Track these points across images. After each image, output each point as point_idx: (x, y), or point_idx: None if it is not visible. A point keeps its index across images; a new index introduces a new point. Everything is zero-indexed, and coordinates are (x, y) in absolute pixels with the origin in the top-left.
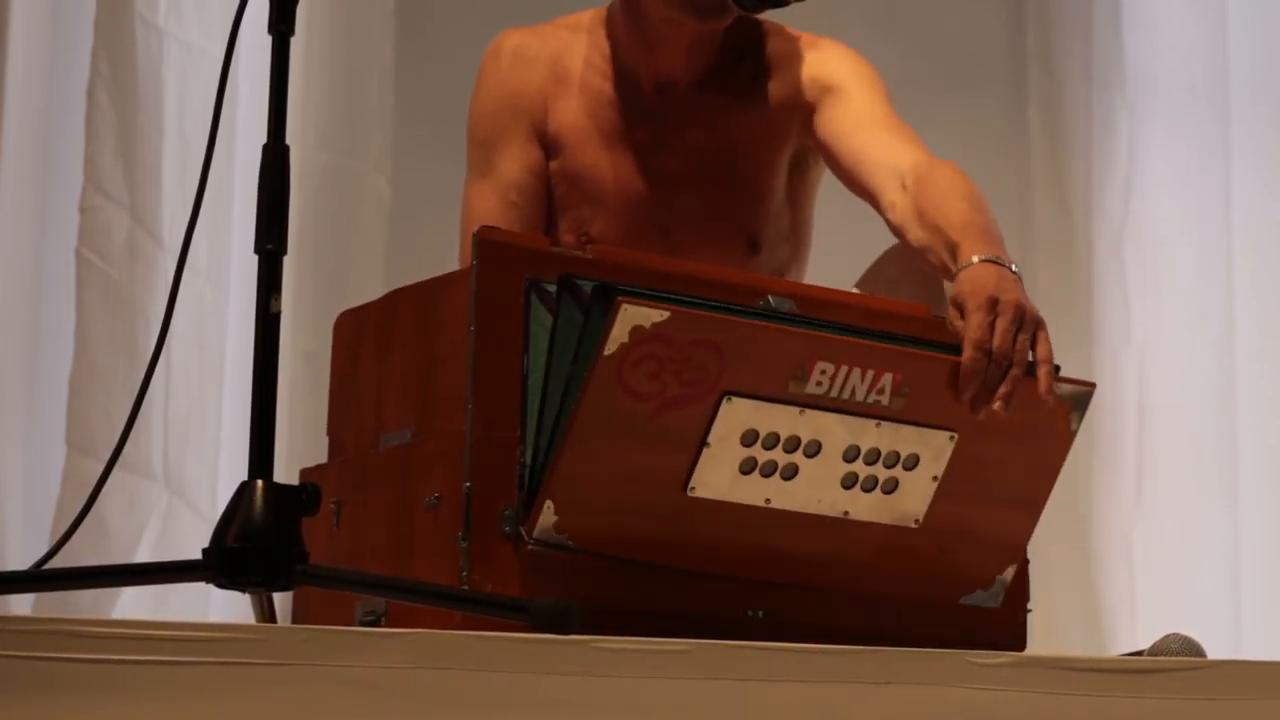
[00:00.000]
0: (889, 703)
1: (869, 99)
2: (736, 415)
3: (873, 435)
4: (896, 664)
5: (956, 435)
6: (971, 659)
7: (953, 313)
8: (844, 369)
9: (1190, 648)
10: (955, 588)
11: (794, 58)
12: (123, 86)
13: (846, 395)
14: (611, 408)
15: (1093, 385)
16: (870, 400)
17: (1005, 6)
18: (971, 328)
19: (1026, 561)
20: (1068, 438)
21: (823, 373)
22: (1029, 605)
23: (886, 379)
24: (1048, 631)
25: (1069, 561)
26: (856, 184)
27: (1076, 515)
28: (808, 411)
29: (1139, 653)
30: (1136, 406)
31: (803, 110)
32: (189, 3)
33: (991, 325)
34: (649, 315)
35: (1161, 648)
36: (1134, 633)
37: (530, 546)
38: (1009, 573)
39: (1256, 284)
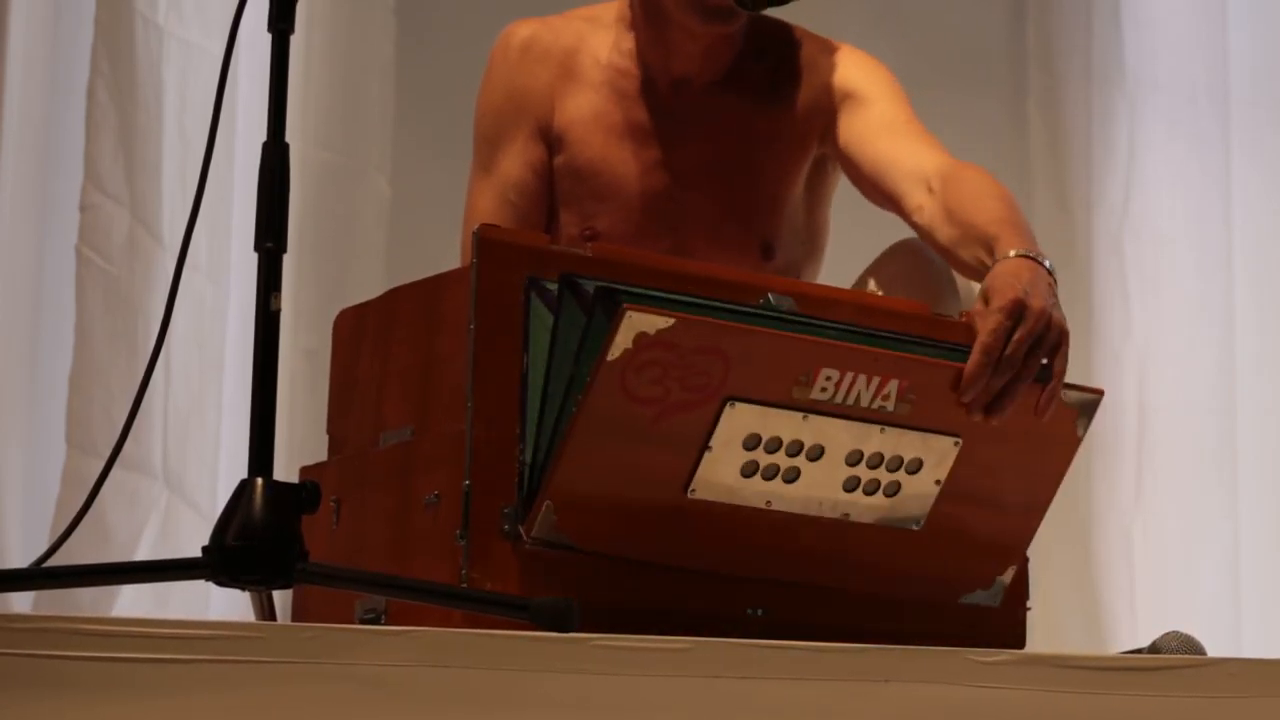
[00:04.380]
0: (889, 701)
1: (889, 105)
2: (739, 420)
3: (876, 440)
4: (896, 662)
5: (961, 441)
6: (971, 657)
7: (978, 305)
8: (849, 375)
9: (1190, 646)
10: (954, 587)
11: (815, 64)
12: (123, 84)
13: (851, 401)
14: (614, 412)
15: (1100, 392)
16: (875, 406)
17: (1005, 4)
18: (986, 330)
19: (1026, 560)
20: (1073, 444)
21: (828, 379)
22: (1028, 604)
23: (892, 385)
24: (1048, 630)
25: (1069, 561)
26: (879, 190)
27: (1076, 515)
28: (811, 417)
29: (1139, 651)
30: (1136, 406)
31: (824, 117)
32: (189, 1)
33: (1009, 331)
34: (654, 322)
35: (1161, 646)
36: (1134, 632)
37: (529, 545)
38: (1009, 573)
39: (1256, 283)
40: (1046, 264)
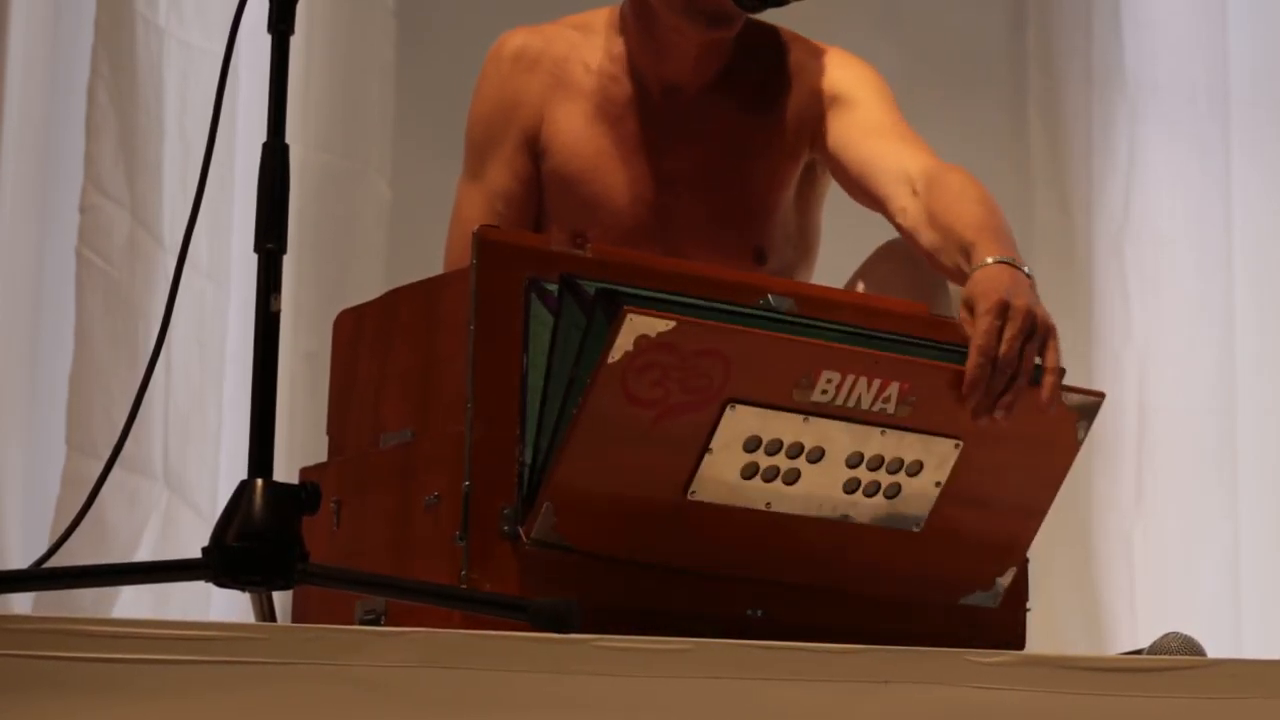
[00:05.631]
0: (888, 701)
1: (876, 107)
2: (740, 422)
3: (877, 442)
4: (896, 663)
5: (962, 443)
6: (971, 658)
7: (963, 313)
8: (850, 377)
9: (1190, 647)
10: (954, 589)
11: (804, 68)
12: (123, 86)
13: (852, 404)
14: (614, 414)
15: (1101, 395)
16: (876, 409)
17: (1005, 7)
18: (979, 333)
19: (1026, 561)
20: (1074, 447)
21: (828, 381)
22: (1028, 605)
23: (893, 388)
24: (1048, 631)
25: (1069, 561)
26: (864, 191)
27: (1076, 515)
28: (812, 419)
29: (1138, 651)
30: (1136, 406)
31: (814, 122)
32: (189, 2)
33: (1000, 331)
34: (654, 325)
35: (1161, 647)
36: (1134, 633)
37: (528, 547)
38: (1008, 575)
39: (1256, 284)
40: (1025, 269)
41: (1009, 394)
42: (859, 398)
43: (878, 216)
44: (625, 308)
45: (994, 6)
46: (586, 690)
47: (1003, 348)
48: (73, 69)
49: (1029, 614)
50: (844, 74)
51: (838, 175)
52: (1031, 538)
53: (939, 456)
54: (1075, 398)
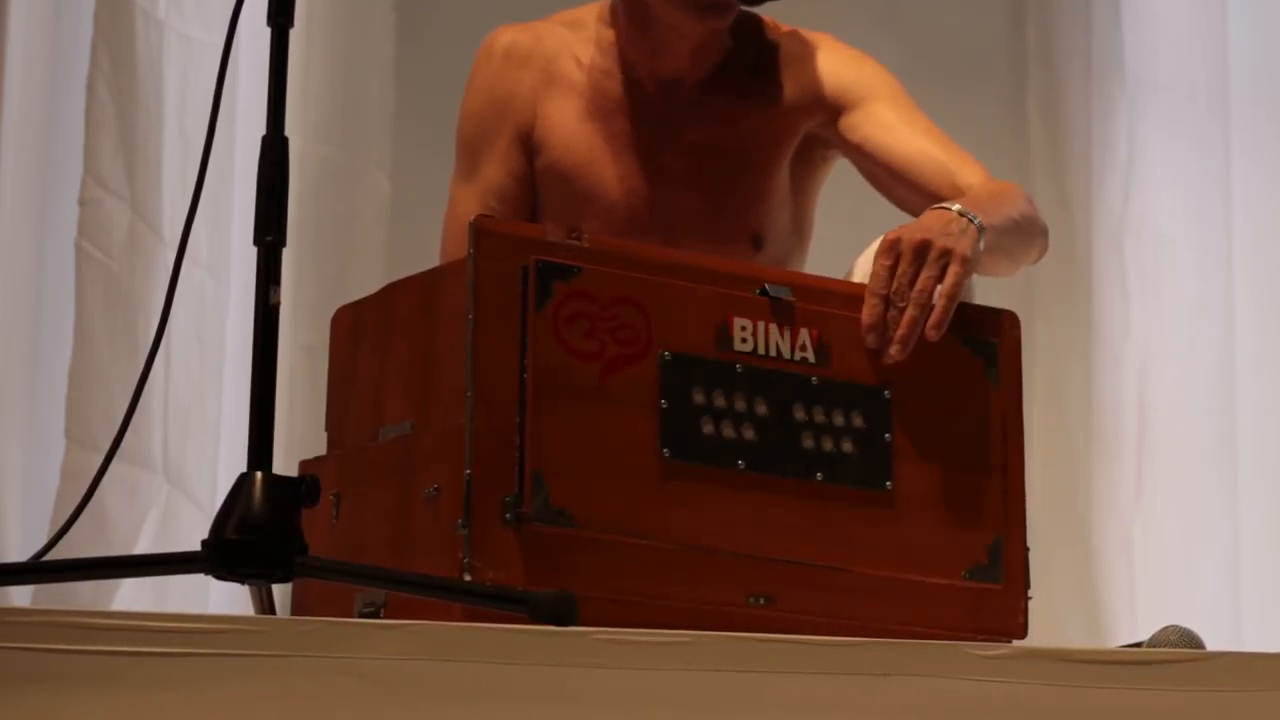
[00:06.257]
0: (889, 694)
1: (908, 111)
2: (679, 374)
3: (812, 394)
4: (896, 655)
5: (890, 392)
6: (971, 650)
7: None
8: (761, 324)
9: (1189, 640)
10: (950, 561)
11: (800, 57)
12: (123, 79)
13: (774, 353)
14: (559, 367)
15: (994, 339)
16: (797, 358)
17: (1005, 3)
18: (871, 276)
19: (1027, 549)
20: (988, 393)
21: (743, 329)
22: (1029, 593)
23: (805, 335)
24: (1048, 630)
25: (1069, 560)
26: (913, 194)
27: (1076, 514)
28: (744, 371)
29: (1138, 644)
30: (1136, 406)
31: (820, 111)
32: None
33: (891, 270)
34: (566, 272)
35: (1160, 640)
36: (1134, 632)
37: (533, 524)
38: (998, 542)
39: (1256, 283)
40: (974, 219)
41: (900, 328)
42: (778, 346)
43: (874, 207)
44: (534, 256)
45: (994, 3)
46: (587, 683)
47: (893, 284)
48: (72, 63)
49: (1030, 603)
50: (854, 70)
51: (873, 173)
52: (999, 497)
53: (876, 407)
54: (968, 339)
